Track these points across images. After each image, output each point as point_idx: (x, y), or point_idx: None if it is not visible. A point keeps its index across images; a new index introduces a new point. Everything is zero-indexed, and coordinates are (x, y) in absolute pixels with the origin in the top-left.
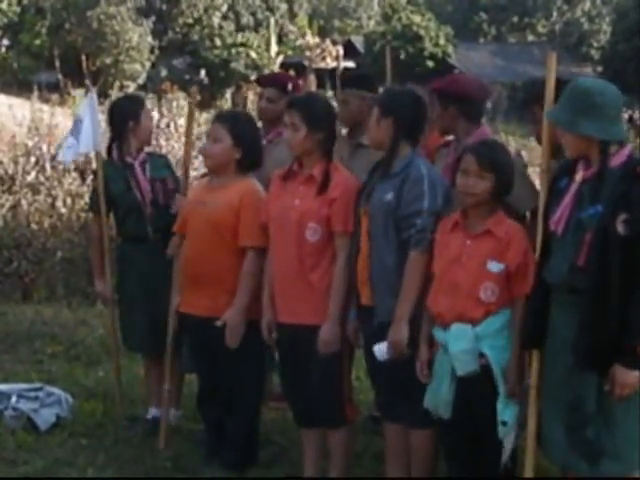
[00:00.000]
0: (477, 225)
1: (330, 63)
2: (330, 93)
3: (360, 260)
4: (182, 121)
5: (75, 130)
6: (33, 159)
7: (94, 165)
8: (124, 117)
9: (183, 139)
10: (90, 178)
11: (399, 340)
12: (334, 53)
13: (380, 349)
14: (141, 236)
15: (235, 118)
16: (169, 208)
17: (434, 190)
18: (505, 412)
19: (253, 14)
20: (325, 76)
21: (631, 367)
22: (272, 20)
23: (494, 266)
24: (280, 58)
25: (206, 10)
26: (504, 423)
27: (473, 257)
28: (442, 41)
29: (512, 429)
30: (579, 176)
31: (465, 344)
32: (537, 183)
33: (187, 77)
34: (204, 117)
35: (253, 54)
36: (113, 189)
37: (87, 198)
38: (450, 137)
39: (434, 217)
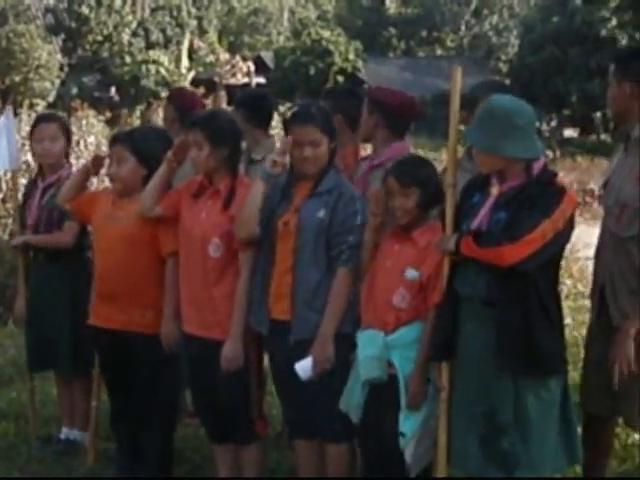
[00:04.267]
0: (407, 233)
1: (241, 79)
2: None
3: (277, 274)
4: (92, 139)
5: None
6: None
7: (3, 183)
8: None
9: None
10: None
11: (325, 357)
12: (244, 69)
13: (303, 367)
14: (33, 258)
15: (135, 136)
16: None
17: (363, 207)
18: (405, 423)
19: (163, 31)
20: (236, 92)
21: None
22: (187, 35)
23: (410, 273)
24: (191, 74)
25: (115, 27)
26: (403, 434)
27: (395, 263)
28: (352, 56)
29: (411, 441)
30: (495, 189)
31: (373, 350)
32: None
33: (97, 94)
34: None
35: (163, 71)
36: (23, 209)
37: None
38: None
39: (362, 233)
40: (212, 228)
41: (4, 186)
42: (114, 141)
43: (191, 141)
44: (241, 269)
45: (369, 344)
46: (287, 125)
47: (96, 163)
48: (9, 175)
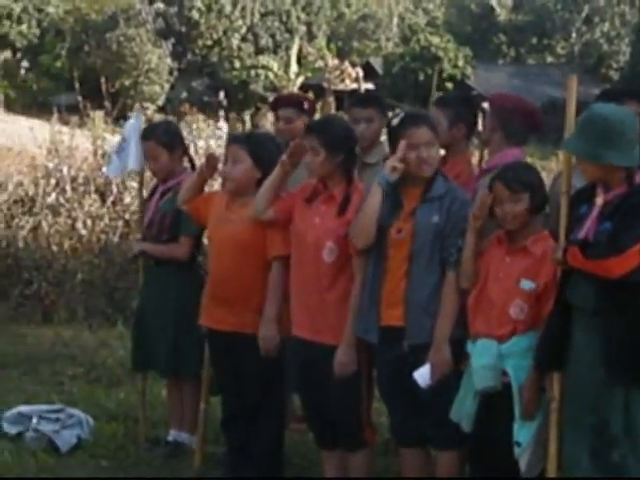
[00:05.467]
0: (517, 242)
1: (349, 85)
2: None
3: (388, 282)
4: (202, 143)
5: (120, 149)
6: (53, 181)
7: (113, 186)
8: None
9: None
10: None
11: (443, 362)
12: (353, 75)
13: (422, 375)
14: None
15: (252, 138)
16: (158, 240)
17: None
18: (520, 433)
19: (272, 36)
20: (344, 98)
21: None
22: (296, 41)
23: (526, 284)
24: (299, 80)
25: (225, 32)
26: (518, 444)
27: (509, 274)
28: (461, 62)
29: (526, 450)
30: (600, 199)
31: (487, 360)
32: None
33: (206, 99)
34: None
35: (272, 76)
36: (145, 209)
37: (107, 220)
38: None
39: None
40: (326, 233)
41: (115, 189)
42: (232, 141)
43: (307, 146)
44: (355, 274)
45: (483, 354)
46: (397, 131)
47: (210, 163)
48: (119, 179)
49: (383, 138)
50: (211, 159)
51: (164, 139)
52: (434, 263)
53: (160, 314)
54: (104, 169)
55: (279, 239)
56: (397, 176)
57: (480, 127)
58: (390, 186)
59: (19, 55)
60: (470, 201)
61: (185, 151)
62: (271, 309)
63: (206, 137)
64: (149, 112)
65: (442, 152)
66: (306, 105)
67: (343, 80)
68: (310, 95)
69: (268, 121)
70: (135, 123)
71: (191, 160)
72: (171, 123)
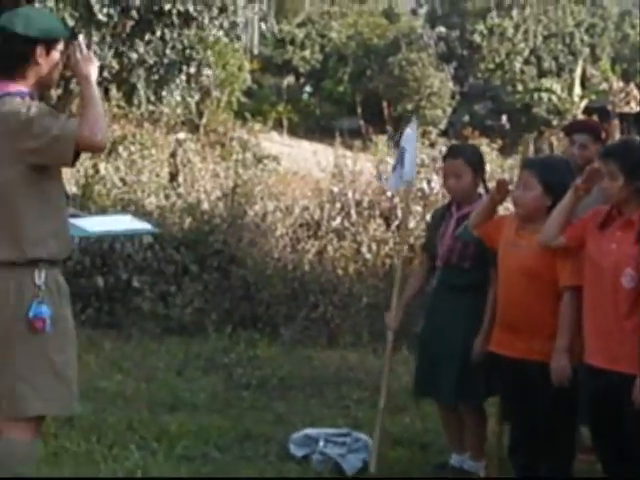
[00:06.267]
0: None
1: (634, 107)
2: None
3: None
4: (487, 167)
5: (400, 160)
6: (338, 205)
7: (398, 210)
8: None
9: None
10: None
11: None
12: (638, 97)
13: None
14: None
15: (545, 164)
16: (460, 268)
17: None
18: None
19: (555, 58)
20: (629, 121)
21: None
22: (580, 63)
23: None
24: (583, 103)
25: (508, 55)
26: None
27: None
28: None
29: None
30: None
31: None
32: None
33: (488, 122)
34: (508, 163)
35: (555, 99)
36: (432, 233)
37: (391, 244)
38: None
39: None
40: (625, 259)
41: (399, 213)
42: (524, 166)
43: (604, 171)
44: None
45: None
46: None
47: (500, 189)
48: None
49: None
50: (502, 184)
51: (473, 159)
52: None
53: (448, 341)
54: (386, 184)
55: (570, 268)
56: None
57: None
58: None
59: (302, 80)
60: None
61: (484, 178)
62: (563, 340)
63: (489, 161)
64: (432, 136)
65: None
66: (603, 135)
67: (628, 102)
68: (594, 118)
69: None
70: (411, 133)
71: (486, 187)
72: (477, 147)
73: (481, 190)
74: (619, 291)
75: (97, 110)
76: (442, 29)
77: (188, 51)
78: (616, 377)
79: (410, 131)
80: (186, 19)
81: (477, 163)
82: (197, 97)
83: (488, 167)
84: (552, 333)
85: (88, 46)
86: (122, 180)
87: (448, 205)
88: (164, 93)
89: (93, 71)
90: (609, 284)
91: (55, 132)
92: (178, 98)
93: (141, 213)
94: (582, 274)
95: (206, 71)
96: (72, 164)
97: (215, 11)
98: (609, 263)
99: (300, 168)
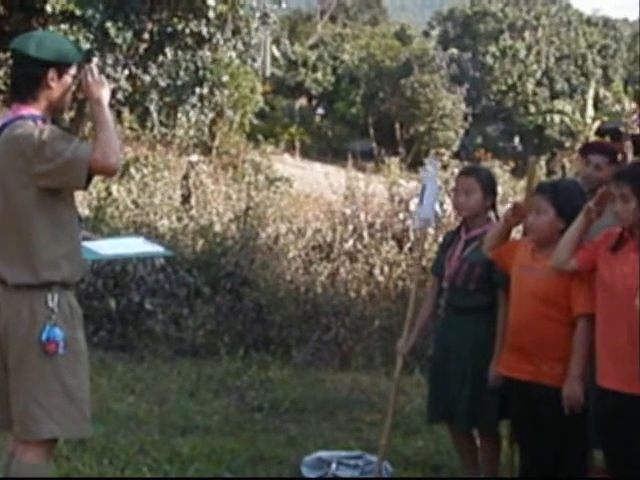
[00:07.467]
0: None
1: None
2: None
3: None
4: (498, 189)
5: (421, 197)
6: (351, 227)
7: (410, 232)
8: None
9: (501, 208)
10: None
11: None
12: None
13: None
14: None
15: (556, 188)
16: (465, 290)
17: None
18: None
19: (568, 80)
20: None
21: None
22: (592, 84)
23: None
24: (596, 124)
25: (520, 77)
26: None
27: None
28: None
29: None
30: None
31: None
32: None
33: (501, 144)
34: (520, 185)
35: (568, 120)
36: (441, 256)
37: (404, 266)
38: None
39: None
40: (638, 281)
41: (412, 236)
42: (537, 191)
43: (616, 194)
44: None
45: None
46: None
47: (515, 212)
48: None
49: None
50: (517, 208)
51: (485, 179)
52: None
53: (457, 365)
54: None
55: (584, 296)
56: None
57: None
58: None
59: (314, 102)
60: None
61: (494, 203)
62: (577, 367)
63: (502, 183)
64: (444, 158)
65: None
66: (620, 157)
67: None
68: (607, 140)
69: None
70: (431, 170)
71: (496, 213)
72: (491, 171)
73: (491, 215)
74: (633, 313)
75: (110, 133)
76: (454, 51)
77: (201, 72)
78: (629, 399)
79: (431, 168)
80: (199, 41)
81: (488, 185)
82: (210, 118)
83: (500, 189)
84: (561, 357)
85: (102, 69)
86: (134, 202)
87: (458, 228)
88: (178, 115)
89: (105, 94)
90: (622, 306)
91: (68, 155)
92: (192, 120)
93: (153, 235)
94: (595, 303)
95: (219, 91)
96: (85, 187)
97: (229, 33)
98: (622, 285)
99: (312, 190)
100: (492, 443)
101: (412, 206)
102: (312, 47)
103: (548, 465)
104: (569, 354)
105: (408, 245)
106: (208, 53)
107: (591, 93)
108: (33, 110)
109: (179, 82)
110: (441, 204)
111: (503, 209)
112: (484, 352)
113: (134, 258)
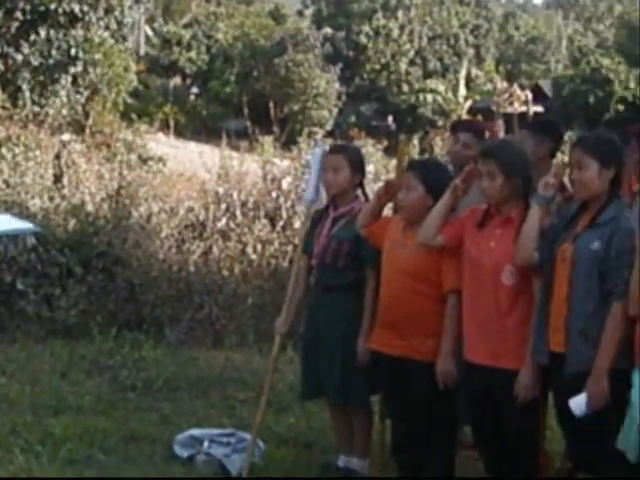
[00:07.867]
0: None
1: (518, 108)
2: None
3: (555, 304)
4: (371, 167)
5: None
6: (223, 206)
7: (283, 211)
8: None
9: (373, 186)
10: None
11: (600, 394)
12: (522, 98)
13: (577, 403)
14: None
15: (426, 166)
16: (334, 268)
17: None
18: None
19: (440, 59)
20: (512, 121)
21: None
22: (464, 64)
23: None
24: (468, 103)
25: (393, 56)
26: None
27: None
28: (632, 84)
29: None
30: None
31: None
32: None
33: (374, 123)
34: (392, 163)
35: (440, 99)
36: (310, 234)
37: (277, 244)
38: None
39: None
40: (505, 256)
41: (284, 214)
42: (407, 169)
43: (483, 171)
44: (536, 296)
45: None
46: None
47: (387, 189)
48: (289, 203)
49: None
50: (389, 186)
51: (353, 157)
52: (593, 291)
53: (327, 342)
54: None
55: (454, 272)
56: (551, 192)
57: None
58: (549, 202)
59: (189, 81)
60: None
61: (362, 182)
62: (448, 343)
63: (375, 161)
64: (318, 137)
65: None
66: (487, 134)
67: (512, 103)
68: (479, 118)
69: (437, 145)
70: (317, 155)
71: (364, 192)
72: (360, 149)
73: (359, 193)
74: (500, 288)
75: None
76: (328, 30)
77: (74, 50)
78: (498, 373)
79: (318, 151)
80: (72, 19)
81: (357, 162)
82: (84, 97)
83: (373, 167)
84: (432, 332)
85: None
86: (5, 182)
87: (326, 206)
88: (49, 94)
89: None
90: (489, 282)
91: None
92: (64, 99)
93: (25, 215)
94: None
95: (92, 70)
96: None
97: (101, 11)
98: (489, 261)
99: (186, 169)
100: (364, 418)
101: (285, 185)
102: (186, 26)
103: (418, 440)
104: (440, 330)
105: (280, 223)
106: (81, 32)
107: (463, 72)
108: None
109: (51, 61)
110: None
111: (376, 187)
112: (353, 329)
113: (3, 237)
